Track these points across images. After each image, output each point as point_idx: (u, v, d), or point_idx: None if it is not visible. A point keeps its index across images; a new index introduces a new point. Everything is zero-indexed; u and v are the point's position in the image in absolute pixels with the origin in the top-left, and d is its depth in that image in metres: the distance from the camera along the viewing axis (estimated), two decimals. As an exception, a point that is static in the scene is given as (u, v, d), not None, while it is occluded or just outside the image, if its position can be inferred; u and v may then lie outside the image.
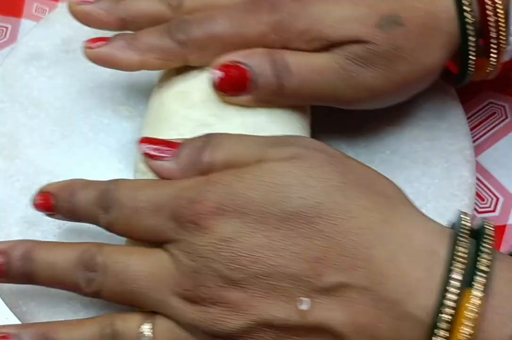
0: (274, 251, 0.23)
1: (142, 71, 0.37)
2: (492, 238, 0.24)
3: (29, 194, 0.34)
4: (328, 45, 0.29)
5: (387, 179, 0.26)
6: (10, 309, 0.32)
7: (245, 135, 0.27)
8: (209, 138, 0.27)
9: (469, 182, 0.36)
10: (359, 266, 0.23)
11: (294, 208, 0.23)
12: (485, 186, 0.39)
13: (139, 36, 0.30)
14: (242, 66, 0.28)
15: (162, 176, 0.28)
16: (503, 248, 0.37)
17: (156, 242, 0.26)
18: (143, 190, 0.26)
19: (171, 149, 0.27)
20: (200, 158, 0.26)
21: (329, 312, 0.23)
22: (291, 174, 0.24)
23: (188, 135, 0.28)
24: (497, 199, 0.38)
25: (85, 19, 0.32)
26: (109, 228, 0.27)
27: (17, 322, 0.32)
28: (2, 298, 0.32)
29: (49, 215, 0.29)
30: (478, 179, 0.39)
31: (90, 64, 0.38)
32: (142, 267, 0.25)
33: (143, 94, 0.37)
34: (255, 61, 0.29)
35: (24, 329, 0.27)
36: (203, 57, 0.29)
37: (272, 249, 0.23)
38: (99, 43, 0.31)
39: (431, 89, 0.38)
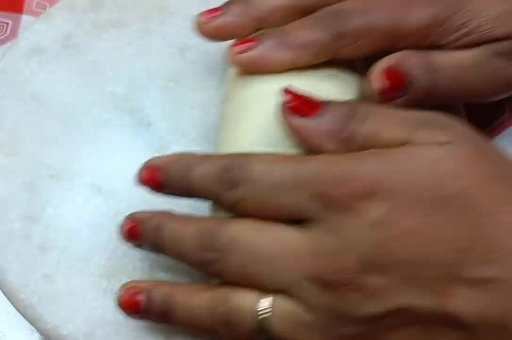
0: (424, 238, 0.22)
1: (143, 65, 0.38)
2: None
3: (29, 190, 0.34)
4: (481, 41, 0.28)
5: None
6: (12, 303, 0.32)
7: (394, 110, 0.25)
8: (356, 108, 0.25)
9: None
10: (505, 260, 0.22)
11: (450, 196, 0.22)
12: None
13: (289, 33, 0.28)
14: (401, 70, 0.27)
15: (301, 134, 0.25)
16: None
17: (290, 221, 0.24)
18: (282, 164, 0.24)
19: (315, 107, 0.25)
20: (345, 127, 0.24)
21: (465, 302, 0.22)
22: (447, 161, 0.23)
23: None
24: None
25: (221, 35, 0.30)
26: (234, 205, 0.25)
27: (19, 316, 0.32)
28: (3, 292, 0.32)
29: (157, 192, 0.27)
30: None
31: (91, 59, 0.38)
32: (274, 247, 0.24)
33: (144, 89, 0.37)
34: (411, 63, 0.27)
35: (156, 287, 0.27)
36: (357, 50, 0.27)
37: (423, 235, 0.22)
38: (246, 46, 0.28)
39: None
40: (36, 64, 0.38)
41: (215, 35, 0.30)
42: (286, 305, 0.24)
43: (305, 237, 0.24)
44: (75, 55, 0.38)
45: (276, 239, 0.24)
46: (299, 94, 0.26)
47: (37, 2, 0.44)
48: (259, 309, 0.24)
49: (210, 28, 0.29)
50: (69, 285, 0.31)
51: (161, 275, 0.32)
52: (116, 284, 0.31)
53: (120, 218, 0.33)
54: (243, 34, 0.29)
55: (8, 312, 0.33)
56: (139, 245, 0.28)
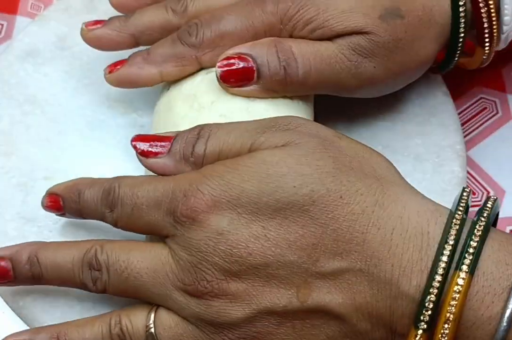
0: (270, 241, 0.24)
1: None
2: (485, 217, 0.24)
3: (24, 190, 0.34)
4: (333, 36, 0.29)
5: (379, 155, 0.27)
6: (7, 303, 0.32)
7: (237, 123, 0.28)
8: (200, 130, 0.27)
9: (460, 176, 0.36)
10: (354, 250, 0.23)
11: (288, 197, 0.24)
12: (476, 180, 0.39)
13: (153, 49, 0.31)
14: (246, 56, 0.29)
15: (158, 173, 0.28)
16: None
17: (159, 237, 0.27)
18: (142, 186, 0.27)
19: (164, 144, 0.28)
20: (192, 151, 0.27)
21: (327, 295, 0.24)
22: (284, 162, 0.24)
23: None
24: (488, 192, 0.39)
25: (99, 44, 0.33)
26: (115, 225, 0.28)
27: (14, 316, 0.32)
28: (-1, 292, 0.32)
29: (60, 215, 0.30)
30: (469, 173, 0.39)
31: (85, 61, 0.38)
32: (143, 263, 0.26)
33: (138, 90, 0.37)
34: (259, 51, 0.29)
35: (36, 334, 0.28)
36: (217, 57, 0.30)
37: (268, 239, 0.24)
38: (117, 65, 0.32)
39: (423, 85, 0.39)
40: (31, 66, 0.38)
41: (97, 44, 0.33)
42: (166, 317, 0.26)
43: (167, 252, 0.26)
44: (69, 57, 0.38)
45: (145, 256, 0.26)
46: (146, 137, 0.28)
47: (32, 3, 0.44)
48: (147, 324, 0.26)
49: (90, 36, 0.33)
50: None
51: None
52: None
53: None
54: (123, 48, 0.33)
55: (3, 312, 0.33)
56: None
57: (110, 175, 0.34)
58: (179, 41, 0.30)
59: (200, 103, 0.30)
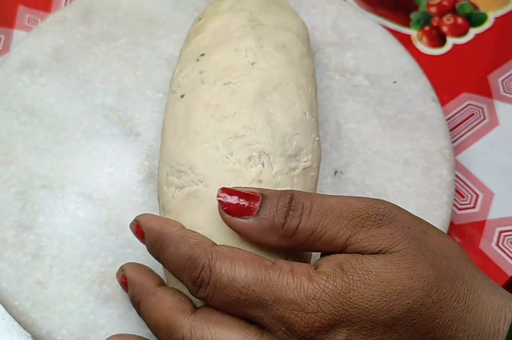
0: None
1: (132, 77, 0.39)
2: None
3: (23, 198, 0.35)
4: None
5: (456, 246, 0.27)
6: (6, 309, 0.33)
7: (328, 199, 0.26)
8: (291, 199, 0.26)
9: (448, 180, 0.37)
10: None
11: (402, 314, 0.24)
12: (465, 183, 0.40)
13: None
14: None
15: (243, 232, 0.27)
16: (483, 243, 0.38)
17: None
18: (242, 279, 0.25)
19: (251, 205, 0.26)
20: (284, 224, 0.26)
21: None
22: (398, 279, 0.25)
23: (221, 147, 0.29)
24: (477, 195, 0.39)
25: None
26: (202, 300, 0.26)
27: (14, 322, 0.33)
28: (-2, 299, 0.33)
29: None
30: (458, 177, 0.40)
31: (81, 71, 0.39)
32: None
33: (133, 100, 0.38)
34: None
35: None
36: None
37: None
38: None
39: (412, 92, 0.40)
40: (28, 77, 0.39)
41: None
42: None
43: None
44: (65, 68, 0.39)
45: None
46: (233, 191, 0.27)
47: (29, 17, 0.45)
48: None
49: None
50: (61, 291, 0.32)
51: (151, 280, 0.33)
52: (107, 290, 0.32)
53: (111, 225, 0.34)
54: None
55: (3, 318, 0.34)
56: None
57: (106, 183, 0.36)
58: None
59: (222, 113, 0.30)
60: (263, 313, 0.25)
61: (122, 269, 0.30)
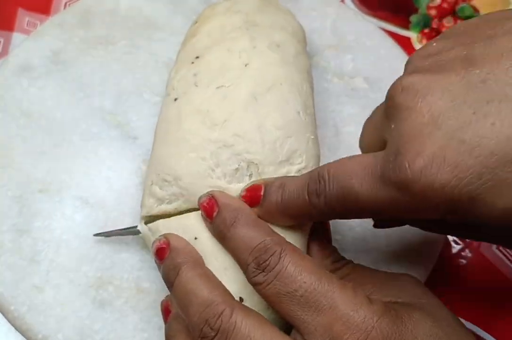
0: None
1: (130, 81, 0.39)
2: None
3: (20, 202, 0.35)
4: None
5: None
6: (3, 314, 0.32)
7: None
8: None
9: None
10: None
11: None
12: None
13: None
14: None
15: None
16: (483, 246, 0.38)
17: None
18: (307, 270, 0.24)
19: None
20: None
21: None
22: None
23: (208, 158, 0.29)
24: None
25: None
26: (256, 285, 0.25)
27: (9, 327, 0.32)
28: (-6, 303, 0.33)
29: (207, 221, 0.28)
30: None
31: (80, 74, 0.39)
32: None
33: (131, 103, 0.38)
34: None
35: None
36: None
37: None
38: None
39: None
40: (26, 80, 0.38)
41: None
42: None
43: None
44: (64, 71, 0.39)
45: None
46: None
47: (28, 21, 0.45)
48: None
49: None
50: (58, 296, 0.32)
51: (147, 285, 0.33)
52: (104, 294, 0.32)
53: (109, 229, 0.34)
54: None
55: (-1, 323, 0.33)
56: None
57: (103, 187, 0.35)
58: None
59: (212, 120, 0.30)
60: (312, 317, 0.24)
61: (165, 235, 0.28)
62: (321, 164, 0.32)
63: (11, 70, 0.39)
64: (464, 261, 0.38)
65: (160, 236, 0.28)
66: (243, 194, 0.28)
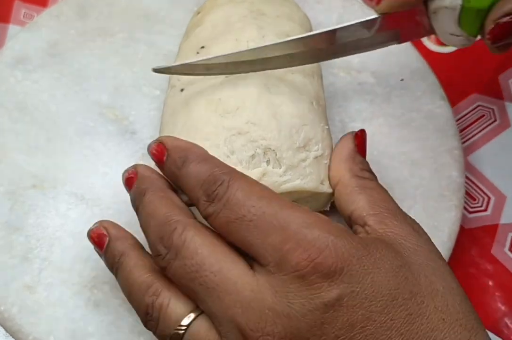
0: (364, 332, 0.22)
1: (129, 74, 0.38)
2: None
3: (13, 199, 0.33)
4: None
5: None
6: (-8, 315, 0.31)
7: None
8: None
9: (458, 181, 0.35)
10: None
11: (404, 299, 0.23)
12: (477, 185, 0.38)
13: None
14: None
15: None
16: (495, 248, 0.36)
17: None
18: (255, 194, 0.24)
19: None
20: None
21: None
22: (405, 268, 0.23)
23: (223, 145, 0.28)
24: (489, 198, 0.38)
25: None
26: (206, 217, 0.25)
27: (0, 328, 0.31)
28: (-17, 304, 0.31)
29: (160, 167, 0.28)
30: (469, 179, 0.39)
31: (76, 67, 0.38)
32: (218, 277, 0.23)
33: (129, 97, 0.37)
34: None
35: (117, 238, 0.27)
36: None
37: (364, 329, 0.22)
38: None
39: (420, 89, 0.38)
40: (20, 73, 0.37)
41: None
42: (202, 330, 0.24)
43: (250, 280, 0.23)
44: (60, 63, 0.38)
45: (222, 268, 0.23)
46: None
47: (25, 12, 0.44)
48: (180, 322, 0.24)
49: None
50: (50, 296, 0.31)
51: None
52: (99, 295, 0.31)
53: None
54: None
55: (-12, 324, 0.32)
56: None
57: (99, 183, 0.34)
58: None
59: (225, 108, 0.29)
60: (262, 240, 0.23)
61: (134, 166, 0.28)
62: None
63: (5, 62, 0.37)
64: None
65: (129, 166, 0.28)
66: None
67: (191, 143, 0.27)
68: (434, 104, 0.38)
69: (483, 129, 0.41)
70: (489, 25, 0.27)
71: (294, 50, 0.29)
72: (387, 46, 0.31)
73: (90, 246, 0.32)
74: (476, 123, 0.41)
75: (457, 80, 0.42)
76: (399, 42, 0.31)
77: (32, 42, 0.38)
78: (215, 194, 0.24)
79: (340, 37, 0.29)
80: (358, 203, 0.27)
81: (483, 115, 0.41)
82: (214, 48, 0.32)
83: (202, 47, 0.32)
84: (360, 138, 0.30)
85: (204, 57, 0.29)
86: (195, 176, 0.25)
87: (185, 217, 0.25)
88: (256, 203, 0.24)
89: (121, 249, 0.27)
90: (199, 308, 0.24)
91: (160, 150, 0.27)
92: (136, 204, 0.27)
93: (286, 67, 0.30)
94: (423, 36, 0.31)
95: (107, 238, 0.27)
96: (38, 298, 0.31)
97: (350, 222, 0.27)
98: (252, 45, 0.31)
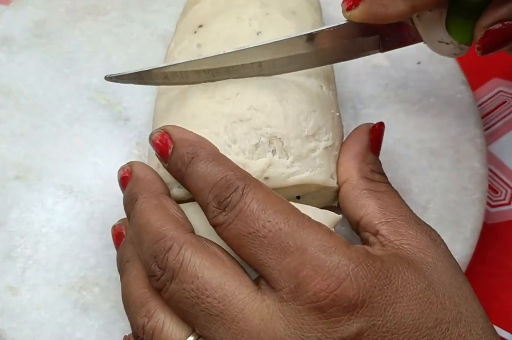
0: None
1: (122, 55, 0.35)
2: None
3: (-5, 191, 0.31)
4: None
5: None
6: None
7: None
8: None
9: (481, 173, 0.33)
10: None
11: (429, 327, 0.21)
12: (499, 177, 0.36)
13: None
14: None
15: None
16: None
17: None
18: (272, 208, 0.22)
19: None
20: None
21: None
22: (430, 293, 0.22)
23: (223, 133, 0.25)
24: (512, 191, 0.35)
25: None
26: (216, 226, 0.23)
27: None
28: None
29: (160, 160, 0.26)
30: (490, 170, 0.36)
31: (65, 49, 0.35)
32: (218, 297, 0.21)
33: (121, 79, 0.34)
34: None
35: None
36: None
37: None
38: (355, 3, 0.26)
39: (439, 73, 0.36)
40: (4, 55, 0.35)
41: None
42: None
43: (259, 306, 0.21)
44: (47, 44, 0.35)
45: (226, 294, 0.21)
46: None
47: (10, -10, 0.41)
48: None
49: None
50: (34, 298, 0.29)
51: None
52: (88, 297, 0.29)
53: (94, 222, 0.30)
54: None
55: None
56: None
57: (89, 174, 0.32)
58: None
59: (223, 94, 0.27)
60: (276, 261, 0.21)
61: (130, 164, 0.27)
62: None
63: (-13, 43, 0.35)
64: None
65: (125, 164, 0.27)
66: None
67: (201, 137, 0.25)
68: (454, 89, 0.35)
69: (504, 116, 0.38)
70: (479, 33, 0.24)
71: (263, 58, 0.26)
72: (369, 54, 0.28)
73: (79, 244, 0.30)
74: (497, 110, 0.38)
75: (476, 63, 0.40)
76: (381, 51, 0.28)
77: (17, 22, 0.36)
78: (227, 202, 0.22)
79: (317, 43, 0.27)
80: (367, 208, 0.24)
81: (505, 102, 0.39)
82: (213, 27, 0.29)
83: (200, 26, 0.30)
84: (377, 132, 0.27)
85: (161, 65, 0.27)
86: (204, 177, 0.23)
87: (181, 232, 0.23)
88: (272, 218, 0.21)
89: (130, 254, 0.25)
90: (196, 332, 0.22)
91: (165, 142, 0.25)
92: (128, 210, 0.25)
93: (255, 76, 0.27)
94: (408, 44, 0.27)
95: (124, 238, 0.26)
96: (21, 300, 0.29)
97: (359, 228, 0.25)
98: (255, 23, 0.28)
